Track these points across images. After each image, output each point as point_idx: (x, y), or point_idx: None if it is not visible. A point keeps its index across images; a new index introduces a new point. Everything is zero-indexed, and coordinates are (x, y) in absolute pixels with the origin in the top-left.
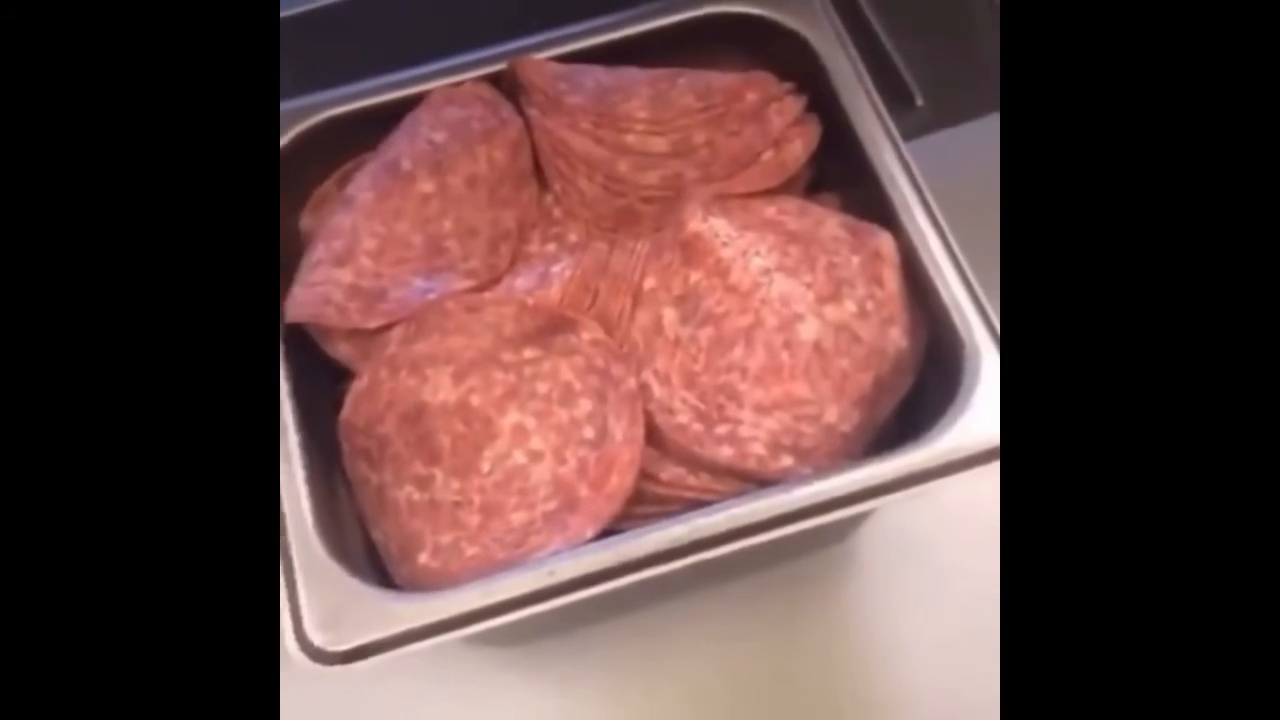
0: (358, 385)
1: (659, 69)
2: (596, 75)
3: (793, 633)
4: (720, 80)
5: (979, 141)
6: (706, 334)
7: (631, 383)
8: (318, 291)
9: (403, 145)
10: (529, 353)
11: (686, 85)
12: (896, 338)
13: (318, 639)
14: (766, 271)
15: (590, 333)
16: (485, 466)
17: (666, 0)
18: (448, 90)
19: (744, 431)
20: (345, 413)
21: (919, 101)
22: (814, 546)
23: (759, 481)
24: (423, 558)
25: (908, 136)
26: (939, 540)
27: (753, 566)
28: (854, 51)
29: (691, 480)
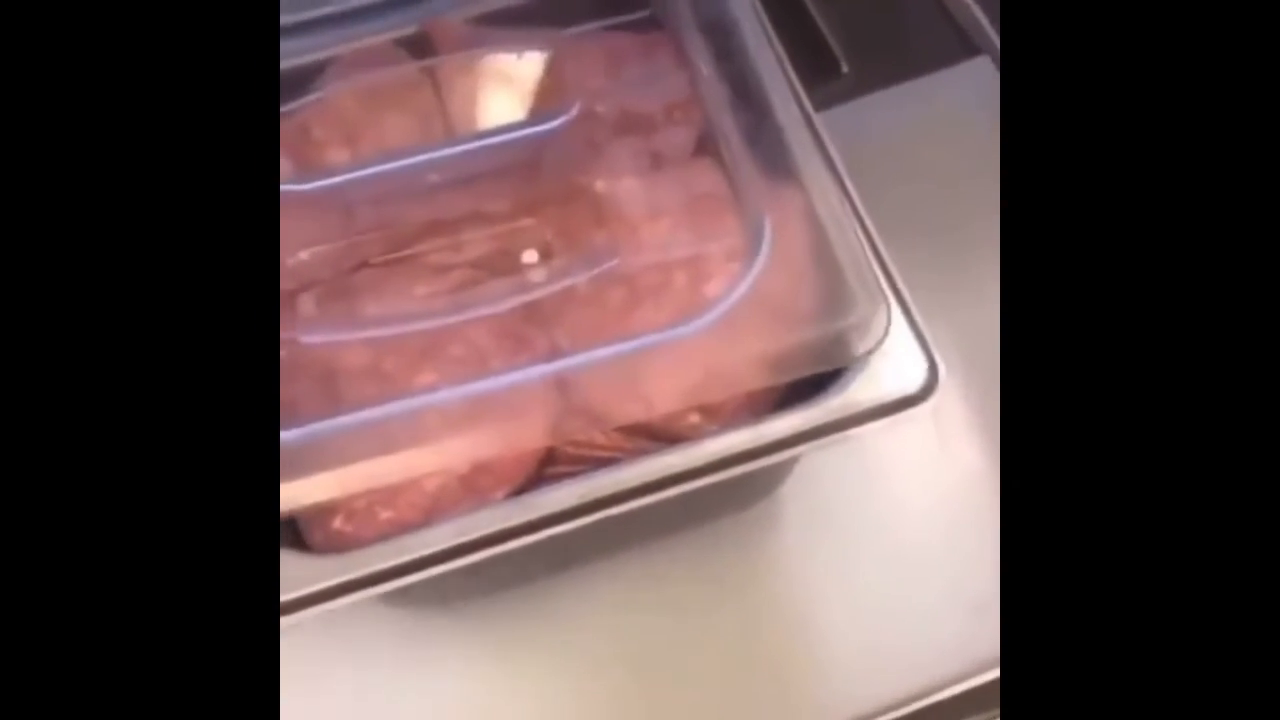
0: None
1: (566, 30)
2: (504, 39)
3: (709, 595)
4: (625, 42)
5: (902, 106)
6: (617, 293)
7: (543, 343)
8: None
9: (311, 112)
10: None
11: (592, 46)
12: (804, 295)
13: None
14: (674, 230)
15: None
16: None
17: None
18: (357, 53)
19: (653, 393)
20: None
21: (844, 69)
22: (729, 507)
23: (667, 439)
24: (336, 522)
25: (833, 103)
26: (859, 498)
27: (669, 528)
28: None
29: (601, 439)
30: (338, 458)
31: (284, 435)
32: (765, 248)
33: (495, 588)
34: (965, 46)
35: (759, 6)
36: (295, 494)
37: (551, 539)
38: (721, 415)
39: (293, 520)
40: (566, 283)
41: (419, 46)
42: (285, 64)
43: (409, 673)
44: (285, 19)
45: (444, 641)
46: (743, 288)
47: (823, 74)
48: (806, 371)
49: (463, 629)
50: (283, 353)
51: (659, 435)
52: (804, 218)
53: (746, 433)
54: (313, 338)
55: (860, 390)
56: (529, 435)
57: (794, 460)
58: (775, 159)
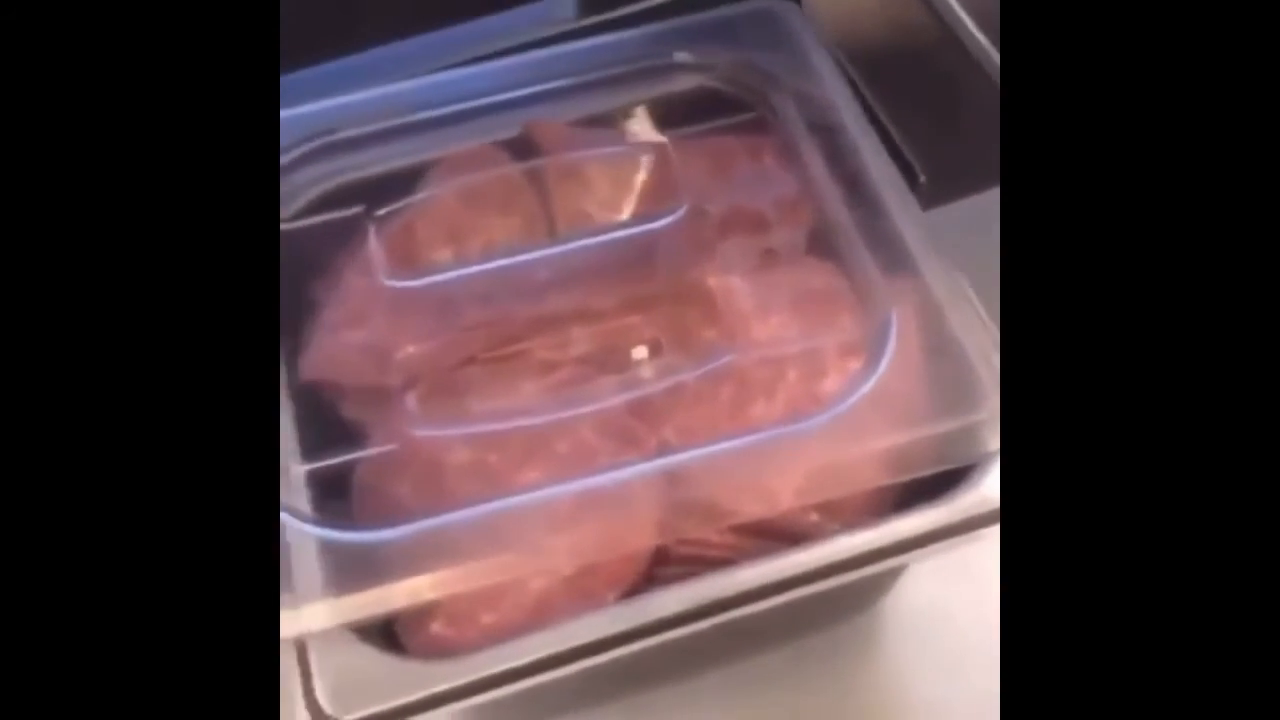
0: (373, 446)
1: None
2: (607, 139)
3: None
4: (732, 143)
5: (981, 216)
6: (728, 390)
7: (652, 441)
8: (331, 350)
9: (415, 213)
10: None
11: (699, 147)
12: (927, 392)
13: (329, 707)
14: (786, 326)
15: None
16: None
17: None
18: (459, 155)
19: (773, 486)
20: (360, 476)
21: (921, 179)
22: (840, 612)
23: (785, 540)
24: (436, 626)
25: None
26: (967, 609)
27: (776, 637)
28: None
29: (715, 539)
30: (439, 557)
31: (386, 534)
32: (891, 342)
33: (591, 701)
34: None
35: (861, 111)
36: (395, 595)
37: (661, 646)
38: (842, 514)
39: (390, 623)
40: (676, 379)
41: (521, 148)
42: (388, 166)
43: None
44: (388, 123)
45: None
46: (868, 383)
47: None
48: (931, 469)
49: None
50: (388, 447)
51: (776, 535)
52: (926, 314)
53: (871, 533)
54: (418, 432)
55: (991, 488)
56: (638, 534)
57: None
58: (893, 255)
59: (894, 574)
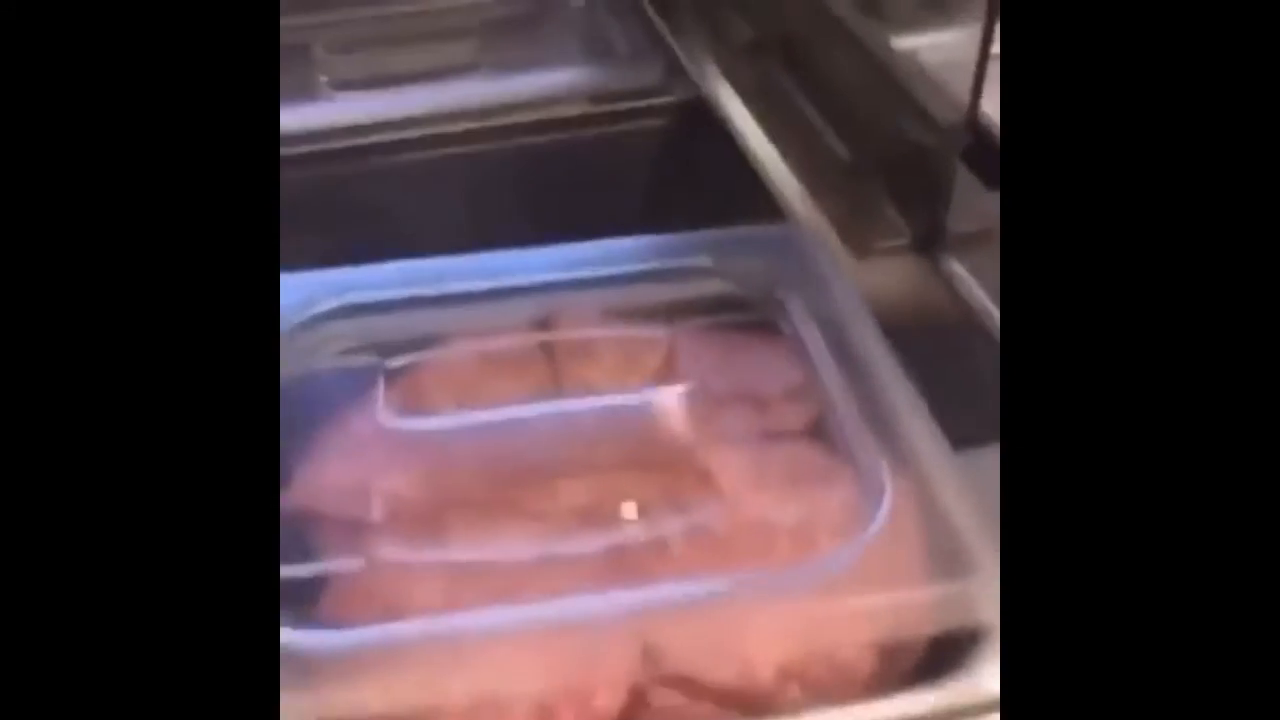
0: (339, 579)
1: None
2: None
3: None
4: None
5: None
6: (714, 551)
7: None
8: (317, 481)
9: (427, 370)
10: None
11: (709, 335)
12: (918, 571)
13: None
14: (780, 502)
15: None
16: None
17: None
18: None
19: (751, 658)
20: (326, 605)
21: None
22: None
23: (765, 714)
24: None
25: None
26: None
27: None
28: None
29: (689, 711)
30: (395, 667)
31: (333, 636)
32: (884, 511)
33: None
34: None
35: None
36: (338, 701)
37: None
38: (826, 693)
39: None
40: (661, 535)
41: (539, 321)
42: (410, 332)
43: None
44: (414, 291)
45: None
46: (858, 546)
47: None
48: (917, 633)
49: None
50: (354, 563)
51: (753, 706)
52: (924, 493)
53: (857, 709)
54: (386, 554)
55: (991, 674)
56: (607, 688)
57: None
58: (892, 441)
59: None
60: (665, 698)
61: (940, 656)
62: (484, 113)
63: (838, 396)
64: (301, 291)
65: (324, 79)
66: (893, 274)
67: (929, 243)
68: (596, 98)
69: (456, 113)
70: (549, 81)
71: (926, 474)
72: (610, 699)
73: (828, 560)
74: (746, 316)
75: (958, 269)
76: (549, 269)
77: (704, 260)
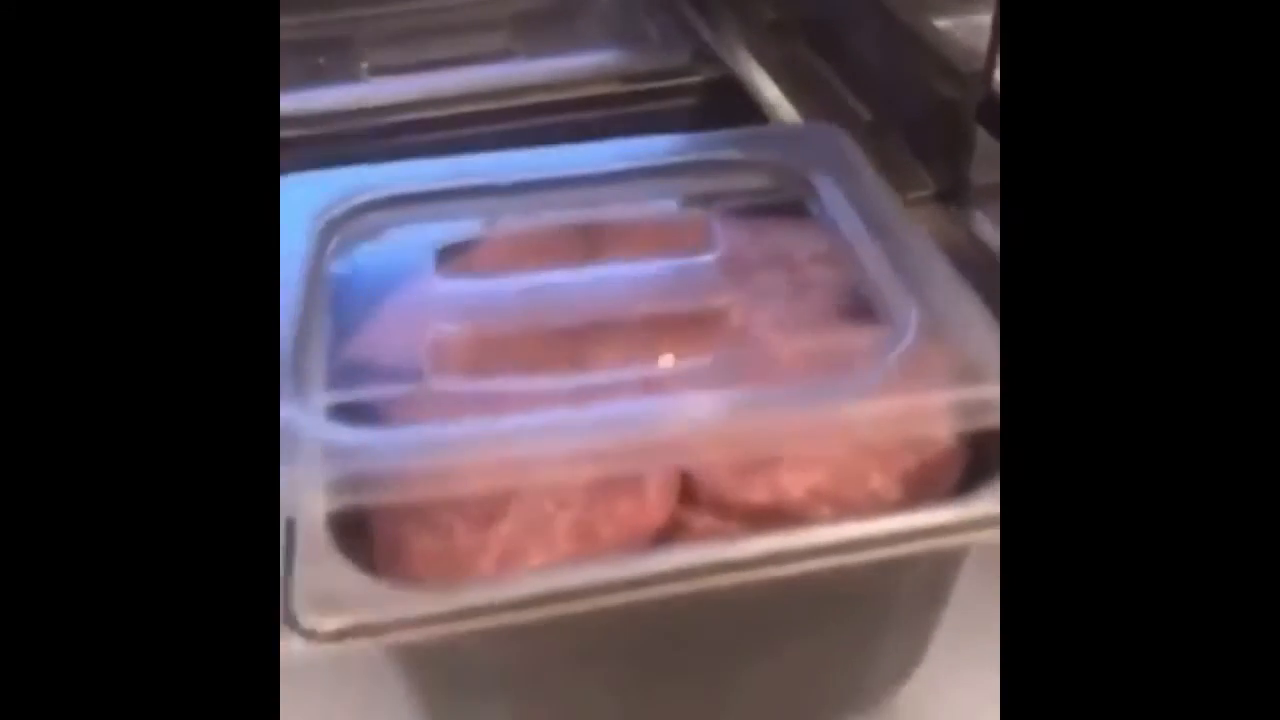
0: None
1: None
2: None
3: None
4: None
5: None
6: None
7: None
8: (373, 335)
9: (472, 249)
10: None
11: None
12: (945, 433)
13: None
14: (809, 342)
15: None
16: (510, 514)
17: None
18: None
19: (783, 480)
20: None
21: None
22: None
23: None
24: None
25: None
26: None
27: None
28: None
29: (722, 530)
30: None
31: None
32: (908, 340)
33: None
34: None
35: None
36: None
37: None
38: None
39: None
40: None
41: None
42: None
43: None
44: (450, 184)
45: None
46: (881, 368)
47: None
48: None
49: None
50: (406, 400)
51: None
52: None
53: (876, 522)
54: (437, 384)
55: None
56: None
57: (926, 640)
58: (922, 292)
59: (917, 649)
60: (700, 521)
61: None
62: (514, 92)
63: (868, 260)
64: (349, 183)
65: (365, 65)
66: (918, 223)
67: (952, 194)
68: (626, 78)
69: (486, 92)
70: (579, 64)
71: (954, 321)
72: (650, 519)
73: (855, 377)
74: (778, 199)
75: (980, 218)
76: (586, 164)
77: (736, 153)
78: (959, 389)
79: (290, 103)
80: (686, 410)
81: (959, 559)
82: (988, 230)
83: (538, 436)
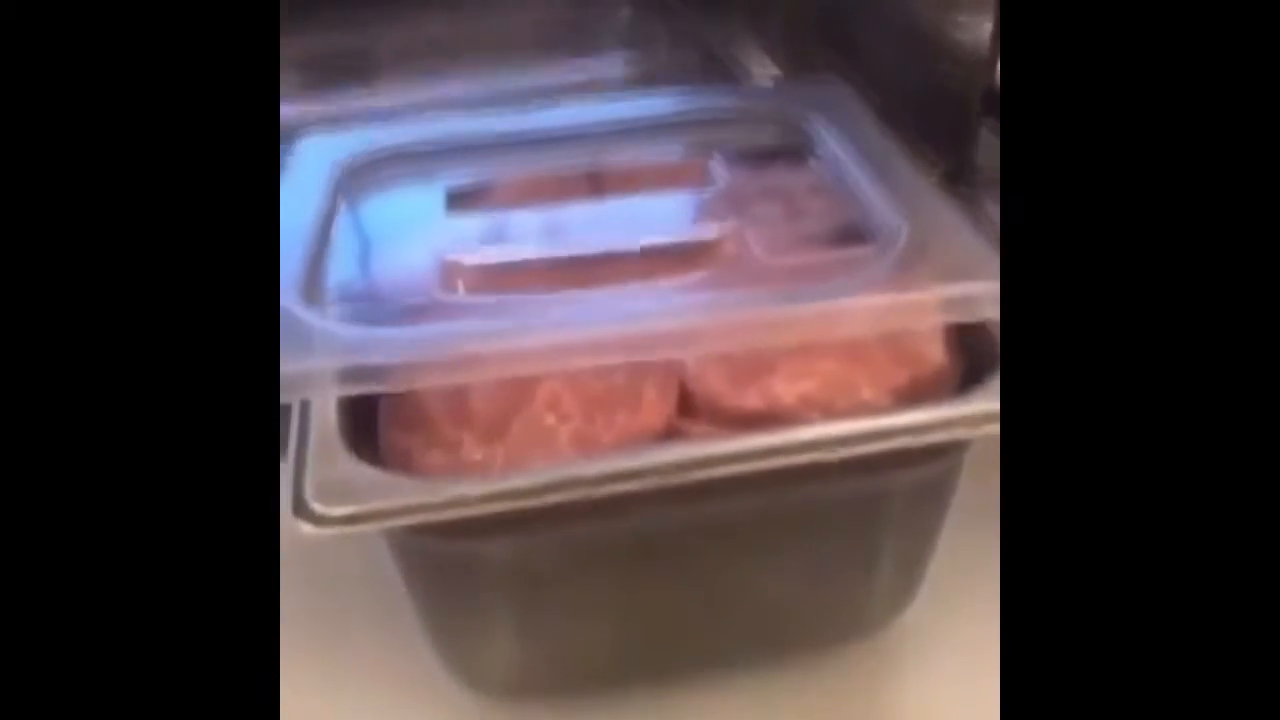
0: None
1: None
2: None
3: None
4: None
5: None
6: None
7: None
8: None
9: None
10: None
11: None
12: (938, 350)
13: (317, 504)
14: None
15: None
16: (514, 429)
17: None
18: None
19: (776, 388)
20: None
21: None
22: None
23: None
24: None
25: None
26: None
27: (785, 641)
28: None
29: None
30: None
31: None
32: (900, 245)
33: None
34: None
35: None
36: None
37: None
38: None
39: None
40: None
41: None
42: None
43: None
44: (461, 141)
45: None
46: (873, 270)
47: None
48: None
49: None
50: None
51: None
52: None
53: (872, 419)
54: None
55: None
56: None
57: (924, 565)
58: (920, 218)
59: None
60: (696, 429)
61: None
62: (522, 96)
63: (861, 191)
64: (367, 138)
65: (381, 78)
66: None
67: (958, 176)
68: (634, 83)
69: (496, 96)
70: (589, 68)
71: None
72: (648, 426)
73: (846, 279)
74: (780, 143)
75: (986, 199)
76: (595, 119)
77: (741, 103)
78: (946, 285)
79: (306, 112)
80: (684, 307)
81: (955, 469)
82: (994, 210)
83: (542, 331)
